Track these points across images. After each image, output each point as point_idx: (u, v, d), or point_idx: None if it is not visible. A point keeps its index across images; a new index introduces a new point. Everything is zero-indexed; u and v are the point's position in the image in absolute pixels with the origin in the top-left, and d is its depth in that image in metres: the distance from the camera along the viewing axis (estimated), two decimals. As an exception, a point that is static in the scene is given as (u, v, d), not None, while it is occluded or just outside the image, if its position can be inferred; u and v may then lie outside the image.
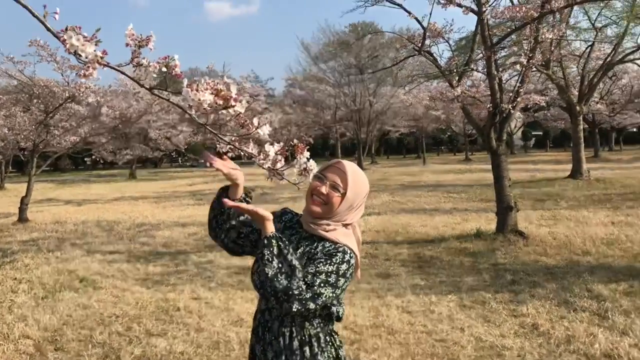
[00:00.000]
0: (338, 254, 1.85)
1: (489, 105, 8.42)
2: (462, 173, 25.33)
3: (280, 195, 17.58)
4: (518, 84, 8.44)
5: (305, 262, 1.85)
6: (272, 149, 1.52)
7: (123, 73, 1.40)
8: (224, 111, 1.34)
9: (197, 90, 1.30)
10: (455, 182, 20.04)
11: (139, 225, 11.73)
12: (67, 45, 1.21)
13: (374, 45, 35.25)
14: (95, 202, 18.28)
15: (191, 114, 1.33)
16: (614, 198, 13.14)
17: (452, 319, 4.95)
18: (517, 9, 7.35)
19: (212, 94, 1.31)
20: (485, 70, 8.81)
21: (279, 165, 1.57)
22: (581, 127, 19.76)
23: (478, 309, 5.20)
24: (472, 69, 9.55)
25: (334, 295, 1.82)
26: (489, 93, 8.78)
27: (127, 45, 1.44)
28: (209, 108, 1.31)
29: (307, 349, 1.91)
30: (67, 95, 12.08)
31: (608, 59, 18.78)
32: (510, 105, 8.23)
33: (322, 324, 1.96)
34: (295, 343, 1.91)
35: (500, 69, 9.31)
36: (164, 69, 1.34)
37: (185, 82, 1.35)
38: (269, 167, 1.57)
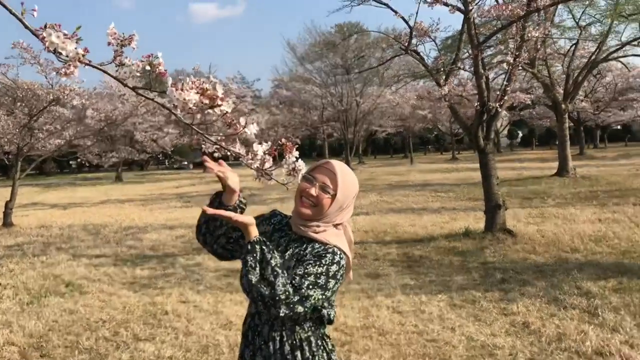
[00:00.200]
0: (327, 255, 1.81)
1: (476, 104, 8.43)
2: (449, 172, 25.40)
3: (268, 197, 17.52)
4: (505, 83, 8.46)
5: (295, 264, 1.82)
6: (260, 148, 1.48)
7: (105, 72, 1.36)
8: (210, 111, 1.29)
9: (182, 90, 1.26)
10: (442, 181, 20.09)
11: (126, 229, 11.62)
12: (47, 43, 1.16)
13: (360, 45, 35.30)
14: (81, 205, 18.10)
15: (176, 114, 1.29)
16: (600, 195, 13.22)
17: (443, 318, 4.93)
18: (503, 7, 7.36)
19: (197, 93, 1.27)
20: (472, 69, 8.82)
21: (267, 165, 1.53)
22: (567, 125, 19.92)
23: (468, 308, 5.19)
24: (459, 68, 9.56)
25: (324, 297, 1.77)
26: (476, 92, 8.79)
27: (109, 44, 1.39)
28: (194, 108, 1.26)
29: (298, 353, 1.87)
30: (51, 98, 11.96)
31: (593, 57, 18.94)
32: (497, 104, 8.24)
33: (313, 328, 1.91)
34: (286, 347, 1.87)
35: (487, 68, 9.32)
36: (148, 68, 1.29)
37: (170, 81, 1.30)
38: (257, 167, 1.52)
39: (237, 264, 1.81)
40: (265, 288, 1.67)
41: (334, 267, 1.79)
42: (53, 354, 4.47)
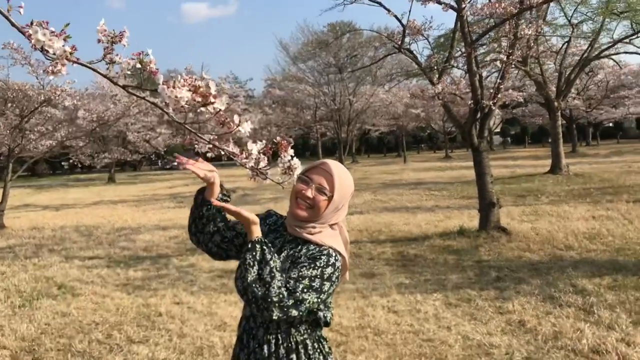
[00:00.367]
0: (322, 257, 1.78)
1: (470, 102, 8.42)
2: (443, 170, 25.43)
3: (261, 196, 17.47)
4: (498, 80, 8.45)
5: (289, 266, 1.79)
6: (254, 147, 1.45)
7: (95, 70, 1.32)
8: (203, 109, 1.26)
9: (174, 87, 1.22)
10: (436, 180, 20.10)
11: (119, 230, 11.55)
12: (33, 41, 1.12)
13: (353, 44, 35.35)
14: (74, 206, 17.99)
15: (168, 113, 1.26)
16: (593, 192, 13.25)
17: (439, 317, 4.91)
18: (496, 5, 7.34)
19: (189, 90, 1.23)
20: (465, 67, 8.80)
21: (262, 164, 1.49)
22: (559, 122, 19.99)
23: (464, 307, 5.17)
24: (453, 66, 9.55)
25: (319, 300, 1.74)
26: (469, 90, 8.78)
27: (99, 41, 1.36)
28: (186, 106, 1.23)
29: (293, 356, 1.83)
30: (42, 98, 11.86)
31: (585, 55, 18.99)
32: (491, 102, 8.23)
33: (309, 330, 1.88)
34: (281, 351, 1.83)
35: (481, 66, 9.31)
36: (138, 65, 1.26)
37: (161, 78, 1.26)
38: (251, 166, 1.49)
39: (231, 265, 1.78)
40: (259, 289, 1.64)
41: (328, 270, 1.76)
42: (45, 357, 4.42)
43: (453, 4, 7.91)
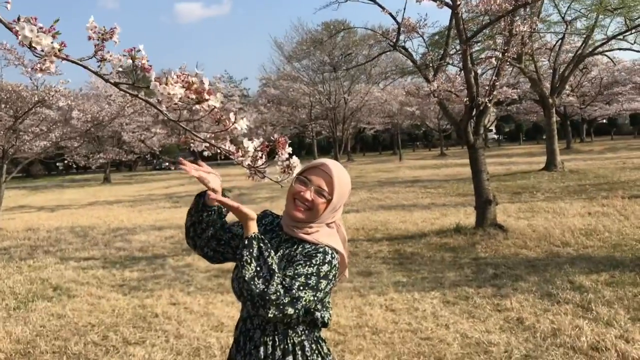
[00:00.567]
0: (318, 255, 1.75)
1: (465, 99, 8.40)
2: (438, 168, 25.44)
3: (257, 196, 17.44)
4: (494, 77, 8.43)
5: (285, 265, 1.76)
6: (251, 145, 1.41)
7: (86, 67, 1.29)
8: (197, 106, 1.22)
9: (166, 84, 1.19)
10: (431, 178, 20.10)
11: (115, 230, 11.49)
12: (20, 37, 1.09)
13: (347, 43, 35.26)
14: (69, 207, 17.92)
15: (161, 110, 1.22)
16: (588, 189, 13.26)
17: (437, 315, 4.89)
18: (492, 1, 7.33)
19: (183, 87, 1.20)
20: (460, 64, 8.79)
21: (259, 162, 1.46)
22: (554, 119, 19.99)
23: (462, 305, 5.15)
24: (448, 63, 9.53)
25: (315, 298, 1.71)
26: (465, 87, 8.76)
27: (89, 38, 1.32)
28: (180, 103, 1.19)
29: (290, 358, 1.80)
30: (36, 99, 11.78)
31: (579, 52, 19.01)
32: (486, 99, 8.21)
33: (306, 331, 1.85)
34: (278, 353, 1.80)
35: (476, 63, 9.29)
36: (130, 62, 1.22)
37: (154, 75, 1.23)
38: (248, 164, 1.46)
39: (228, 264, 1.75)
40: (258, 285, 1.61)
41: (325, 267, 1.73)
42: (41, 360, 4.38)
43: (448, 0, 7.89)
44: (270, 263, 1.65)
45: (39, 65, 1.11)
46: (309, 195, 1.81)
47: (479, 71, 9.75)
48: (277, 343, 1.81)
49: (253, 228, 1.72)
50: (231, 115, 1.32)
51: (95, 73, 1.25)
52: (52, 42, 1.12)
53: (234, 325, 2.02)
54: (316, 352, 1.85)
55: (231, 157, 1.48)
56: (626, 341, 3.98)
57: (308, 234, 1.83)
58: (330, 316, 1.90)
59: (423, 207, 12.01)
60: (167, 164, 48.73)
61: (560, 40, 19.31)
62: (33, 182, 38.74)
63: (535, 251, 7.19)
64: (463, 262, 6.87)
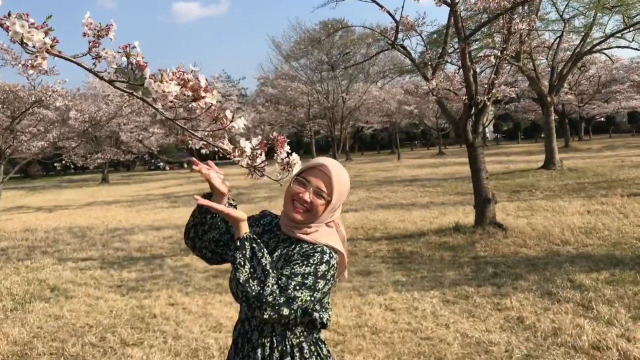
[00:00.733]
0: (316, 254, 1.72)
1: (464, 98, 8.37)
2: (437, 167, 25.42)
3: (255, 195, 17.40)
4: (492, 75, 8.40)
5: (282, 265, 1.73)
6: (247, 145, 1.38)
7: (79, 65, 1.25)
8: (194, 104, 1.19)
9: (161, 82, 1.16)
10: (430, 176, 20.07)
11: (113, 230, 11.45)
12: (10, 33, 1.05)
13: (345, 42, 35.29)
14: (67, 208, 17.88)
15: (157, 108, 1.19)
16: (587, 187, 13.25)
17: (436, 315, 4.86)
18: (490, -1, 7.30)
19: (178, 84, 1.16)
20: (459, 62, 8.76)
21: (258, 160, 1.43)
22: (553, 117, 20.00)
23: (462, 304, 5.12)
24: (447, 61, 9.50)
25: (312, 299, 1.67)
26: (463, 86, 8.74)
27: (84, 35, 1.29)
28: (175, 100, 1.16)
29: None
30: (33, 99, 11.73)
31: (577, 50, 19.00)
32: (485, 97, 8.19)
33: (305, 333, 1.82)
34: (276, 355, 1.77)
35: (475, 61, 9.27)
36: (125, 59, 1.19)
37: (148, 72, 1.19)
38: (247, 163, 1.43)
39: (227, 265, 1.72)
40: (253, 287, 1.58)
41: (322, 267, 1.69)
42: (38, 361, 4.35)
43: (446, -2, 7.86)
44: (264, 264, 1.62)
45: (30, 62, 1.08)
46: (307, 196, 1.77)
47: (478, 70, 9.73)
48: (275, 345, 1.78)
49: (244, 229, 1.69)
50: (228, 112, 1.29)
51: (90, 70, 1.22)
52: (43, 38, 1.08)
53: (233, 326, 1.99)
54: (315, 354, 1.82)
55: (228, 156, 1.45)
56: (627, 340, 3.96)
57: (307, 233, 1.80)
58: (330, 317, 1.87)
59: (422, 206, 11.99)
60: (161, 163, 48.67)
61: (558, 39, 19.30)
62: (31, 182, 38.68)
63: (534, 250, 7.17)
64: (462, 261, 6.85)
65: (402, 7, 9.02)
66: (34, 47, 1.07)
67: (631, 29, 17.75)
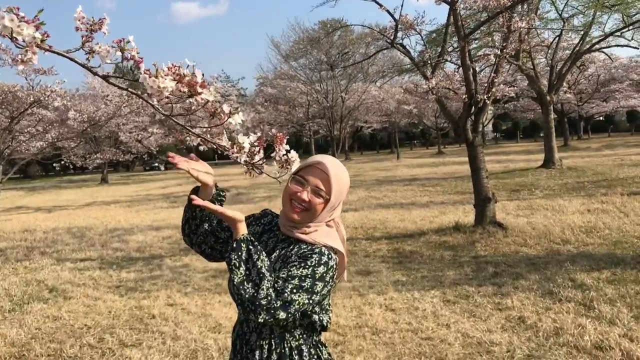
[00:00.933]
0: (314, 255, 1.67)
1: (464, 96, 8.34)
2: (436, 166, 25.40)
3: (255, 195, 17.37)
4: (492, 74, 8.37)
5: (280, 266, 1.69)
6: (246, 140, 1.35)
7: (72, 59, 1.22)
8: (190, 100, 1.16)
9: (156, 77, 1.12)
10: (429, 176, 20.04)
11: (112, 231, 11.42)
12: (0, 27, 1.02)
13: (344, 41, 35.23)
14: (66, 208, 17.84)
15: (153, 104, 1.16)
16: (587, 186, 13.22)
17: (437, 315, 4.83)
18: (490, -3, 7.27)
19: (174, 80, 1.13)
20: (458, 61, 8.73)
21: (257, 157, 1.40)
22: (552, 116, 19.98)
23: (462, 304, 5.09)
24: (446, 60, 9.47)
25: (311, 301, 1.63)
26: (463, 85, 8.70)
27: (77, 29, 1.26)
28: (171, 96, 1.13)
29: None
30: (32, 99, 11.69)
31: (576, 49, 18.98)
32: (485, 96, 8.16)
33: (304, 335, 1.78)
34: (274, 357, 1.74)
35: (475, 59, 9.24)
36: (119, 53, 1.16)
37: (143, 67, 1.16)
38: (245, 160, 1.39)
39: (225, 264, 1.68)
40: (247, 290, 1.55)
41: (320, 269, 1.65)
42: (36, 363, 4.31)
43: (446, -3, 7.82)
44: (259, 266, 1.58)
45: (20, 57, 1.04)
46: (305, 195, 1.73)
47: (477, 68, 9.70)
48: (274, 347, 1.75)
49: (242, 230, 1.66)
50: (225, 107, 1.26)
51: (83, 65, 1.19)
52: (34, 33, 1.05)
53: (232, 327, 1.96)
54: (315, 357, 1.79)
55: (226, 152, 1.42)
56: (630, 340, 3.93)
57: (306, 233, 1.76)
58: (330, 319, 1.83)
59: (421, 206, 11.96)
60: (156, 163, 48.64)
61: (557, 37, 19.27)
62: (30, 182, 38.66)
63: (535, 249, 7.14)
64: (463, 260, 6.82)
65: (402, 6, 8.98)
66: (23, 41, 1.04)
67: (630, 27, 17.73)
